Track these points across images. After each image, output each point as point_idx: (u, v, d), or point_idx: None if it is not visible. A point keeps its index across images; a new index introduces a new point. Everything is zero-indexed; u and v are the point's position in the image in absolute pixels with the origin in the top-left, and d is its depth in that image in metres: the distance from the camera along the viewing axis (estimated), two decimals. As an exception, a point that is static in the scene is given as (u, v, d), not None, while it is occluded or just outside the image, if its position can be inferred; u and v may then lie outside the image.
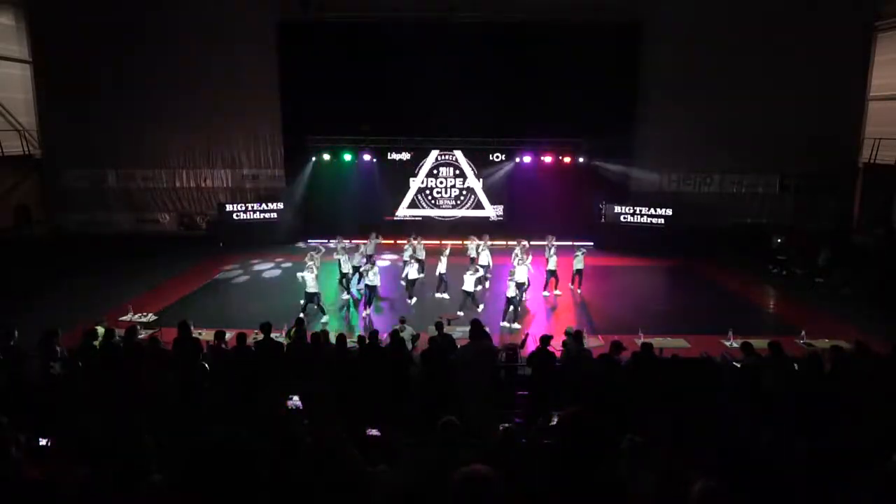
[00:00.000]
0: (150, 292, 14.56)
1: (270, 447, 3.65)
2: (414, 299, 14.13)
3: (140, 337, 8.78)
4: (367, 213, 20.24)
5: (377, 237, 16.25)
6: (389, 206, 21.08)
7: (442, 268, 14.37)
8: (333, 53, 19.58)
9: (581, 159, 19.86)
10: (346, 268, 14.27)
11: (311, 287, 12.53)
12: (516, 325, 12.59)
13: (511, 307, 12.66)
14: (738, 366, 8.10)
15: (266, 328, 8.26)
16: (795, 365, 7.54)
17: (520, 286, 12.94)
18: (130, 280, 15.49)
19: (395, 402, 7.36)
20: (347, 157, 20.15)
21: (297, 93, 19.98)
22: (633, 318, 12.60)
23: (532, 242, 15.56)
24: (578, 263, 14.85)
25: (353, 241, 16.64)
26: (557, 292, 14.98)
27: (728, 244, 19.26)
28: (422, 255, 15.21)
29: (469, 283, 13.12)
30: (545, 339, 7.91)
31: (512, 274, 12.98)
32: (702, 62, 19.88)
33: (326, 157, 20.20)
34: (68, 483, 3.24)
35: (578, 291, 15.04)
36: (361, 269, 14.02)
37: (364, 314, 13.25)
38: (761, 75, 19.72)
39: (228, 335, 8.57)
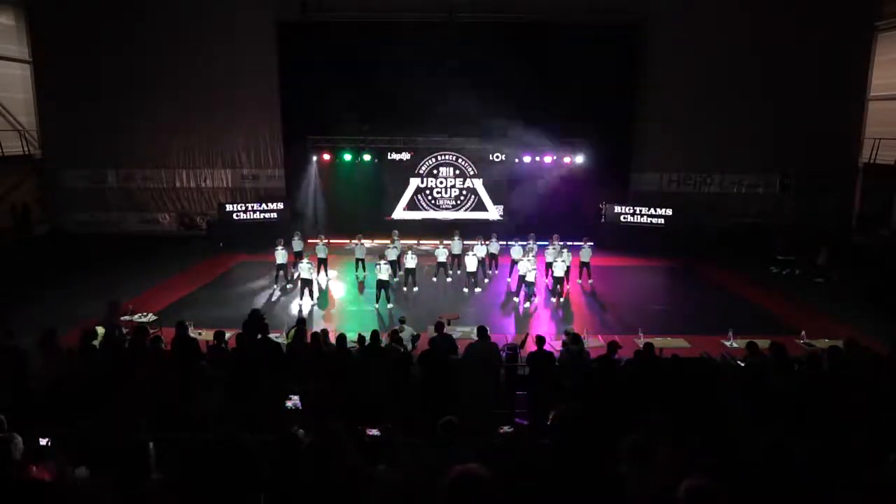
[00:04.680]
0: (150, 292, 14.56)
1: (270, 447, 3.66)
2: (416, 289, 14.93)
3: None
4: (366, 214, 20.27)
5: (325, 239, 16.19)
6: (389, 206, 21.08)
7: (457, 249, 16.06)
8: (333, 53, 19.58)
9: (580, 160, 19.85)
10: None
11: (306, 274, 13.91)
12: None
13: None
14: (742, 364, 8.10)
15: (257, 326, 8.28)
16: (796, 365, 7.54)
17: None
18: (130, 280, 15.48)
19: (395, 402, 7.36)
20: (347, 157, 20.16)
21: (297, 93, 19.99)
22: (633, 318, 12.62)
23: (539, 243, 16.25)
24: (553, 265, 14.78)
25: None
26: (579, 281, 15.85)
27: (728, 244, 19.27)
28: (393, 255, 15.28)
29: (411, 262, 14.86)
30: (540, 340, 7.94)
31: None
32: (702, 62, 19.91)
33: (326, 157, 20.20)
34: (68, 483, 3.25)
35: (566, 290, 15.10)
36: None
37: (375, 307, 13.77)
38: (761, 75, 19.74)
39: (228, 335, 8.57)
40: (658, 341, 9.50)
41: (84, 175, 21.58)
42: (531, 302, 13.91)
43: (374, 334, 8.14)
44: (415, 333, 9.59)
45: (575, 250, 15.69)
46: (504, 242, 16.79)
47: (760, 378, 7.06)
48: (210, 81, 20.45)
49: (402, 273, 15.31)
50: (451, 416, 4.19)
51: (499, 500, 1.75)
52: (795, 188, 20.72)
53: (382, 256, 14.48)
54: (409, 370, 7.94)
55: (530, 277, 13.75)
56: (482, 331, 8.11)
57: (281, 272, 15.18)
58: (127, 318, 11.46)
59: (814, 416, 6.13)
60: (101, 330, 8.68)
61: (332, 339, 8.33)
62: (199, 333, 10.12)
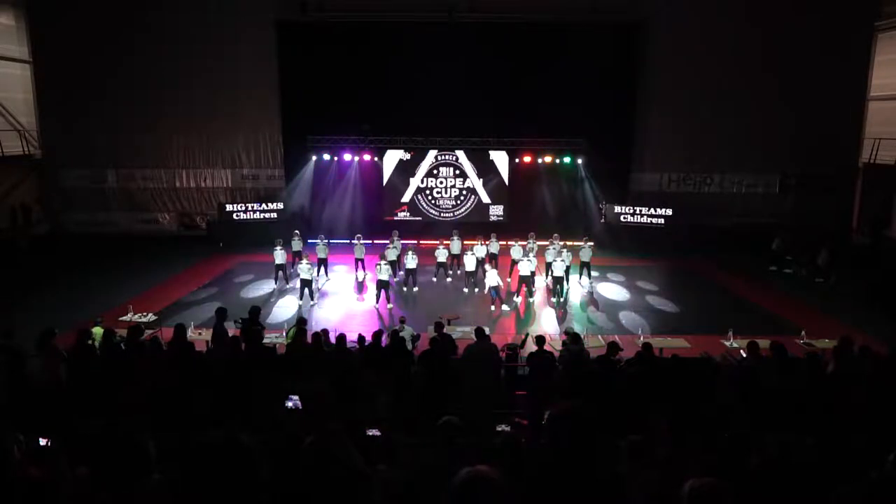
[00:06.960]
0: (149, 292, 14.56)
1: (270, 447, 3.66)
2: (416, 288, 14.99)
3: (141, 337, 8.77)
4: (365, 214, 20.28)
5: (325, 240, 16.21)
6: (388, 206, 21.07)
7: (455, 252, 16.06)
8: (333, 53, 19.59)
9: (580, 159, 19.87)
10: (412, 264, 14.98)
11: (306, 274, 13.81)
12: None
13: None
14: (740, 364, 8.10)
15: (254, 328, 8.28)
16: (796, 365, 7.54)
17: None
18: (130, 280, 15.48)
19: (395, 402, 7.36)
20: (347, 157, 20.16)
21: (297, 93, 19.99)
22: (633, 318, 12.63)
23: (540, 242, 16.28)
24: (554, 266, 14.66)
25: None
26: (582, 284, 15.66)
27: (728, 244, 19.26)
28: (393, 255, 15.30)
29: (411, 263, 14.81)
30: (540, 340, 7.94)
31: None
32: (702, 62, 19.91)
33: (326, 157, 20.20)
34: (68, 483, 3.24)
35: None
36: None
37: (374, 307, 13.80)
38: (761, 75, 19.74)
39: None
40: (658, 341, 9.52)
41: (84, 175, 21.56)
42: (507, 305, 13.79)
43: (375, 334, 8.15)
44: (415, 333, 9.59)
45: (575, 250, 15.68)
46: (504, 242, 16.77)
47: (753, 379, 7.06)
48: (210, 81, 20.45)
49: (402, 273, 15.31)
50: (451, 416, 4.18)
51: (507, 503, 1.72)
52: (795, 188, 20.72)
53: (382, 256, 14.49)
54: (410, 370, 7.95)
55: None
56: (480, 331, 8.11)
57: (280, 272, 15.18)
58: (127, 318, 11.46)
59: (814, 416, 6.12)
60: (97, 331, 8.67)
61: (332, 339, 8.33)
62: (199, 333, 10.12)
